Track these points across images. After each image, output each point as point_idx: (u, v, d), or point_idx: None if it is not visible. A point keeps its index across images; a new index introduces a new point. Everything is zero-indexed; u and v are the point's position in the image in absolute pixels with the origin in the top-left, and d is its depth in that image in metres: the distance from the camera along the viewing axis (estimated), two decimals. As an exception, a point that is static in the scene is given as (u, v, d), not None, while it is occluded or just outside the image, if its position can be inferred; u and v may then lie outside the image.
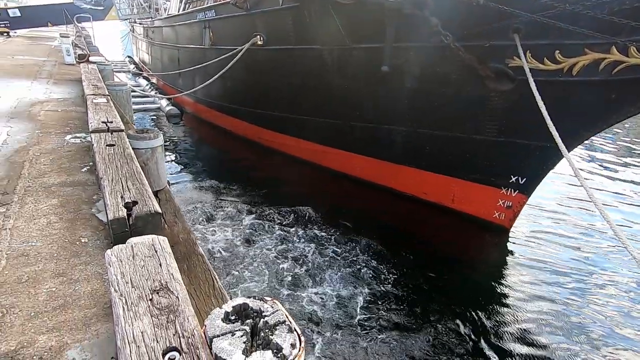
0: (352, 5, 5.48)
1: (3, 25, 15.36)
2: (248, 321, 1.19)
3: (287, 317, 1.22)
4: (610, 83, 4.27)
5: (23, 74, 7.23)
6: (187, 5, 12.16)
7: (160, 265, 1.55)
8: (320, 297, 4.34)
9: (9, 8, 17.91)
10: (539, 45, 4.51)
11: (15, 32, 15.92)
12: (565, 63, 4.42)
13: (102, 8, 16.77)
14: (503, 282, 4.93)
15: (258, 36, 7.17)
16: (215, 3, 8.94)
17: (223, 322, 1.17)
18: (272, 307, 1.24)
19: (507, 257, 5.51)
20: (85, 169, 3.05)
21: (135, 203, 2.19)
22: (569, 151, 4.78)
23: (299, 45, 6.68)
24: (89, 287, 1.72)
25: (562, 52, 4.42)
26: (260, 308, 1.23)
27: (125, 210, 2.14)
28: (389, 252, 5.22)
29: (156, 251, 1.63)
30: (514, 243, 5.79)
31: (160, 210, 2.20)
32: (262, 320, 1.19)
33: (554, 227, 6.37)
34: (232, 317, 1.20)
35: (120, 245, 1.61)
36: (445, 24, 4.77)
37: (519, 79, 4.76)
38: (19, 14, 16.09)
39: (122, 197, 2.24)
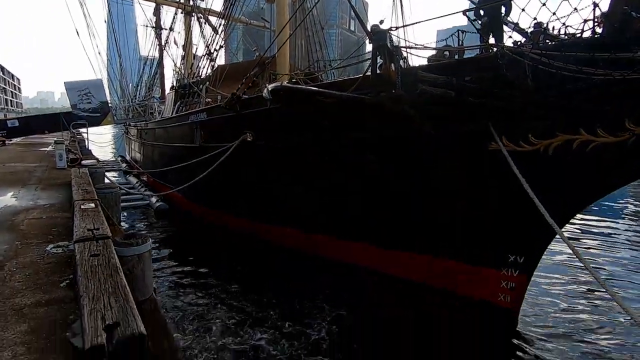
0: (335, 103, 5.93)
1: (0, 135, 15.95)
2: None
3: None
4: (586, 160, 4.50)
5: (11, 181, 7.22)
6: (180, 109, 13.06)
7: (142, 411, 1.31)
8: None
9: (9, 119, 18.87)
10: (512, 129, 4.84)
11: (10, 141, 16.48)
12: (540, 145, 4.71)
13: (99, 115, 17.82)
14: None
15: (247, 133, 7.56)
16: (207, 106, 9.62)
17: None
18: None
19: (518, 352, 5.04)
20: (64, 283, 2.82)
21: (117, 325, 1.96)
22: (561, 227, 4.81)
23: (286, 140, 7.03)
24: None
25: (534, 134, 4.74)
26: None
27: (105, 334, 1.90)
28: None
29: (138, 391, 1.39)
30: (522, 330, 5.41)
31: (144, 332, 1.96)
32: None
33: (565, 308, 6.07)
34: None
35: (96, 388, 1.37)
36: (423, 115, 5.15)
37: (500, 161, 4.99)
38: (17, 124, 16.88)
39: (102, 317, 2.02)
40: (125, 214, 11.58)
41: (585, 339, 5.12)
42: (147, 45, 23.37)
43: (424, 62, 5.56)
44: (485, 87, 4.64)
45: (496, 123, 4.87)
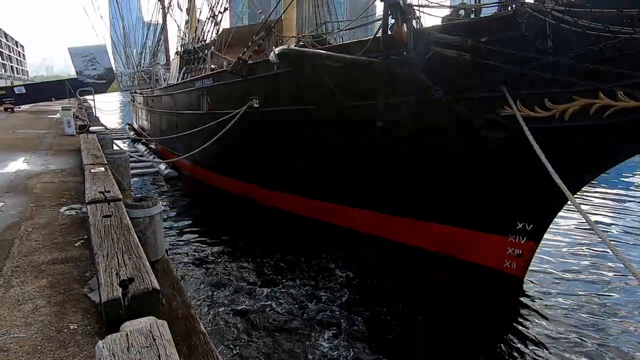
0: (344, 67, 5.75)
1: (8, 102, 15.99)
2: None
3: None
4: (603, 126, 4.35)
5: (23, 147, 7.30)
6: (185, 75, 12.84)
7: (159, 357, 1.36)
8: None
9: (15, 86, 18.83)
10: (528, 94, 4.66)
11: (19, 108, 16.53)
12: (555, 110, 4.54)
13: (104, 82, 17.65)
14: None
15: (254, 99, 7.44)
16: (213, 72, 9.42)
17: None
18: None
19: (522, 311, 5.14)
20: (79, 243, 2.90)
21: (131, 280, 2.02)
22: (573, 194, 4.74)
23: (293, 106, 6.90)
24: (76, 387, 1.50)
25: (551, 99, 4.56)
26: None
27: (121, 289, 1.97)
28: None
29: (154, 339, 1.45)
30: (528, 294, 5.50)
31: (158, 287, 2.02)
32: None
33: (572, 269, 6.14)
34: None
35: (114, 335, 1.43)
36: (434, 79, 4.97)
37: (513, 127, 4.85)
38: (24, 91, 16.86)
39: (117, 274, 2.08)
40: (136, 180, 11.73)
41: (591, 299, 5.23)
42: (150, 10, 22.67)
43: (438, 22, 5.29)
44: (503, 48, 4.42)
45: (511, 87, 4.68)
